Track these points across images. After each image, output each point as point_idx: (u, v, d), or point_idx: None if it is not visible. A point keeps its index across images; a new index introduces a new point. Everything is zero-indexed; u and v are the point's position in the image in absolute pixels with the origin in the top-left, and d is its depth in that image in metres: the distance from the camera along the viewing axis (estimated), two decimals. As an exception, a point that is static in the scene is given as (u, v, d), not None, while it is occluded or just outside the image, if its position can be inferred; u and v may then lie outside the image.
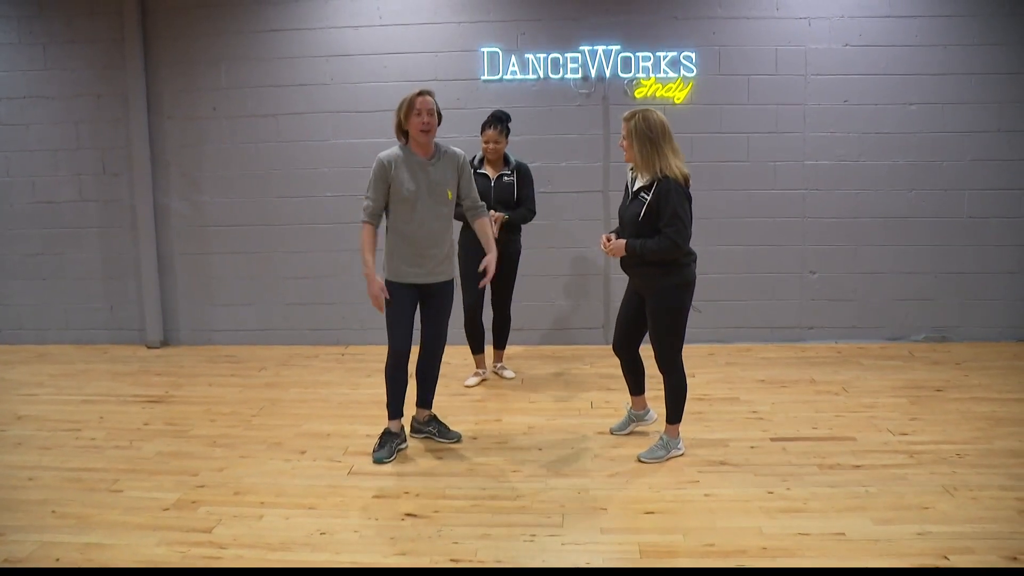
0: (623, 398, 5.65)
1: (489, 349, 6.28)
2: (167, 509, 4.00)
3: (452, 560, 3.47)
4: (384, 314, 4.62)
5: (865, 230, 7.06)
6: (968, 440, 4.79)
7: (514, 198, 5.82)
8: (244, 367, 6.69)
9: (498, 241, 5.58)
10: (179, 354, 7.19)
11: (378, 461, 4.55)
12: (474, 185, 4.80)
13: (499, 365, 6.27)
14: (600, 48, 6.92)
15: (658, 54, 6.91)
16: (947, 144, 6.93)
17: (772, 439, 4.86)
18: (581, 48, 6.94)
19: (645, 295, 4.47)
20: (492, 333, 6.20)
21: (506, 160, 5.85)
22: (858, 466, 4.43)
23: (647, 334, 4.57)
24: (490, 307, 6.11)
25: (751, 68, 6.92)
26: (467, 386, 5.99)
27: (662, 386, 4.57)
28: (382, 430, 4.75)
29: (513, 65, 6.98)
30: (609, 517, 3.88)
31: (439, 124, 4.54)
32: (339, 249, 7.27)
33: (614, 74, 6.96)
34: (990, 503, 3.95)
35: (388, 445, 4.64)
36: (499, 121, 5.75)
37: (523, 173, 5.87)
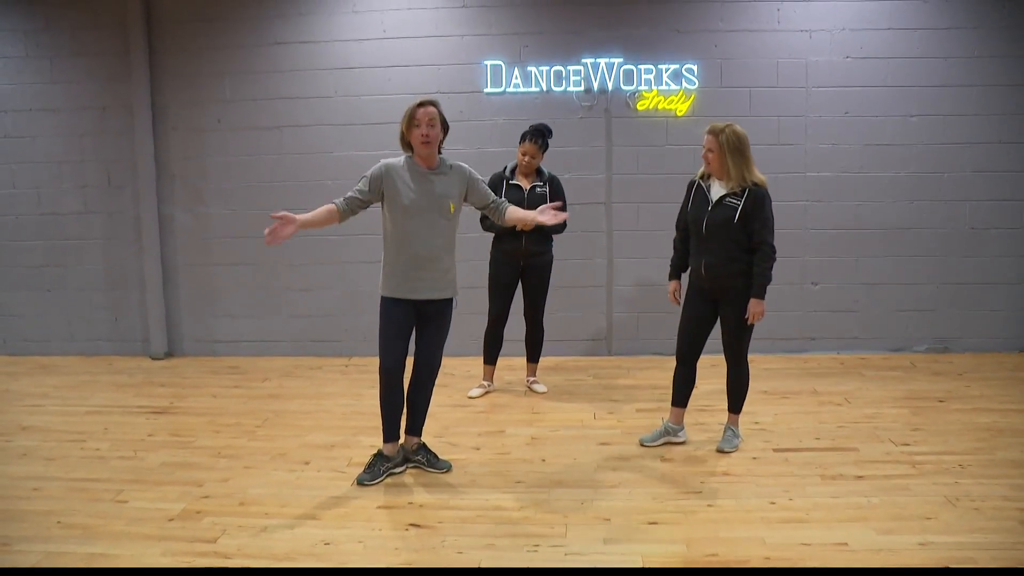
0: (626, 409, 5.68)
1: (504, 361, 6.27)
2: (172, 520, 4.01)
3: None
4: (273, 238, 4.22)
5: (866, 241, 7.08)
6: (970, 451, 4.80)
7: None
8: (248, 378, 6.71)
9: (527, 253, 5.75)
10: (183, 365, 7.21)
11: (359, 483, 4.41)
12: (487, 187, 4.68)
13: (531, 380, 6.22)
14: (602, 61, 6.96)
15: (660, 67, 6.95)
16: (948, 156, 6.95)
17: (775, 450, 4.88)
18: (583, 61, 6.98)
19: (725, 298, 4.72)
20: (525, 346, 6.20)
21: (539, 172, 5.86)
22: (860, 476, 4.44)
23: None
24: (522, 320, 6.11)
25: (752, 80, 6.96)
26: (470, 397, 6.00)
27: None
28: (375, 452, 4.62)
29: (516, 78, 7.01)
30: (612, 528, 3.89)
31: (445, 134, 4.45)
32: (342, 261, 7.30)
33: (616, 87, 7.00)
34: (992, 513, 3.96)
35: (374, 468, 4.49)
36: (540, 136, 5.73)
37: (556, 185, 5.88)
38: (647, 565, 3.51)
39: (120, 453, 4.98)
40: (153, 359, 7.42)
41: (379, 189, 4.41)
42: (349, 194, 4.46)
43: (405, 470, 4.62)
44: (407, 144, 4.44)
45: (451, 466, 4.66)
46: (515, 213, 4.64)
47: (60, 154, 7.38)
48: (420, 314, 4.49)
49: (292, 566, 3.55)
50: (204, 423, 5.54)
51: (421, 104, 4.34)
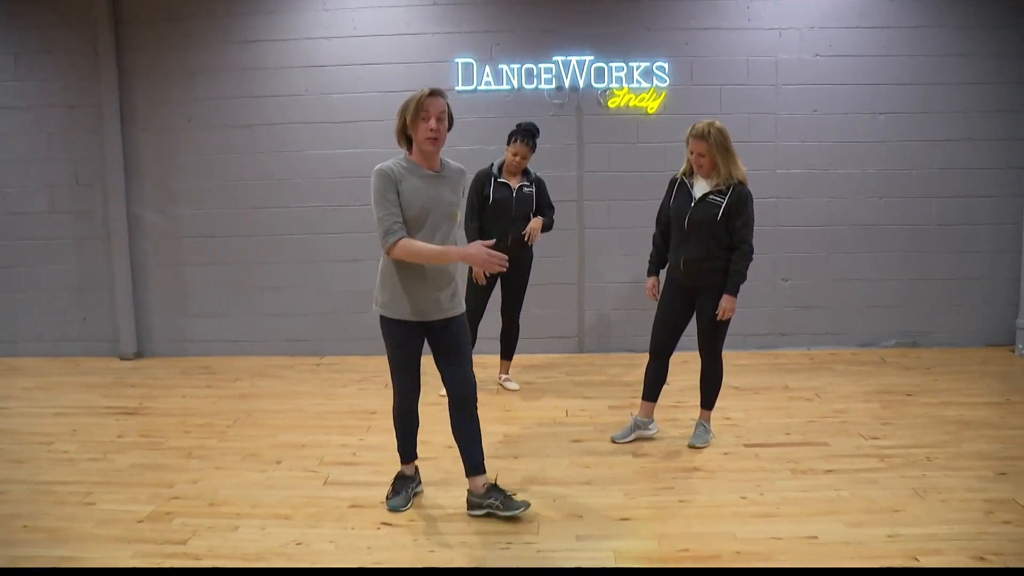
0: (599, 406, 5.70)
1: (476, 359, 6.23)
2: (141, 521, 3.97)
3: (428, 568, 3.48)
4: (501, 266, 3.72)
5: (836, 238, 7.14)
6: (938, 444, 4.86)
7: (533, 208, 5.86)
8: (219, 378, 6.66)
9: (511, 250, 5.60)
10: (153, 366, 7.15)
11: (393, 509, 4.03)
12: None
13: (504, 377, 6.23)
14: (573, 59, 6.97)
15: (631, 64, 6.98)
16: (916, 153, 7.03)
17: (746, 445, 4.91)
18: (555, 59, 6.98)
19: (703, 294, 4.75)
20: (501, 343, 6.20)
21: (525, 172, 5.88)
22: (830, 470, 4.48)
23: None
24: (496, 316, 6.11)
25: (723, 78, 7.00)
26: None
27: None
28: (395, 475, 4.22)
29: (487, 75, 7.01)
30: (584, 524, 3.90)
31: (449, 130, 3.83)
32: (314, 260, 7.27)
33: (587, 84, 7.02)
34: (959, 505, 4.01)
35: (404, 492, 4.11)
36: (531, 136, 5.73)
37: (541, 186, 5.94)
38: (619, 561, 3.52)
39: (89, 455, 4.92)
40: (123, 359, 7.35)
41: (397, 194, 3.72)
42: (387, 225, 3.70)
43: (423, 490, 4.28)
44: (406, 138, 3.80)
45: (529, 505, 3.97)
46: (419, 248, 3.73)
47: (27, 153, 7.28)
48: (434, 336, 3.94)
49: (264, 566, 3.52)
50: (174, 424, 5.50)
51: (432, 93, 3.70)
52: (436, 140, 3.71)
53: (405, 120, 3.74)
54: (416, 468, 4.26)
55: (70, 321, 7.47)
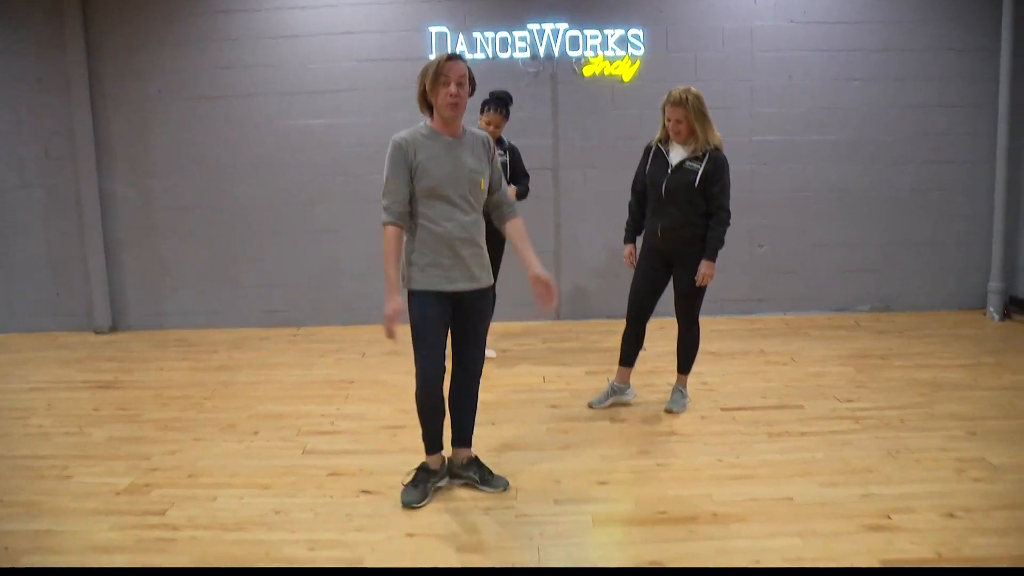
0: (576, 372, 5.72)
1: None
2: (119, 494, 3.96)
3: (408, 535, 3.50)
4: (392, 338, 3.65)
5: (811, 204, 7.18)
6: (911, 405, 4.92)
7: (508, 176, 5.84)
8: (195, 351, 6.63)
9: (487, 219, 5.56)
10: (128, 339, 7.10)
11: (407, 504, 3.75)
12: (503, 176, 4.00)
13: None
14: (548, 26, 6.93)
15: (606, 32, 6.95)
16: (890, 119, 7.06)
17: (722, 409, 4.95)
18: (529, 26, 6.94)
19: (680, 260, 4.75)
20: None
21: (499, 140, 5.83)
22: (805, 433, 4.53)
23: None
24: None
25: (698, 45, 6.99)
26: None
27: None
28: (417, 465, 3.95)
29: (461, 44, 6.96)
30: (562, 489, 3.92)
31: (471, 95, 3.70)
32: (289, 231, 7.22)
33: (562, 52, 6.98)
34: (930, 464, 4.07)
35: (423, 485, 3.84)
36: (504, 105, 5.69)
37: (515, 154, 5.94)
38: (597, 523, 3.56)
39: (65, 429, 4.90)
40: (98, 334, 7.29)
41: (409, 173, 3.63)
42: (388, 203, 3.64)
43: (447, 484, 4.00)
44: (427, 105, 3.69)
45: (508, 484, 3.97)
46: (516, 231, 3.92)
47: (-6, 127, 7.17)
48: (459, 307, 3.81)
49: (242, 535, 3.53)
50: (151, 396, 5.47)
51: (451, 57, 3.61)
52: (456, 105, 3.60)
53: (424, 86, 3.64)
54: (444, 460, 3.99)
55: (43, 296, 7.40)
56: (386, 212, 3.64)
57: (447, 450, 4.04)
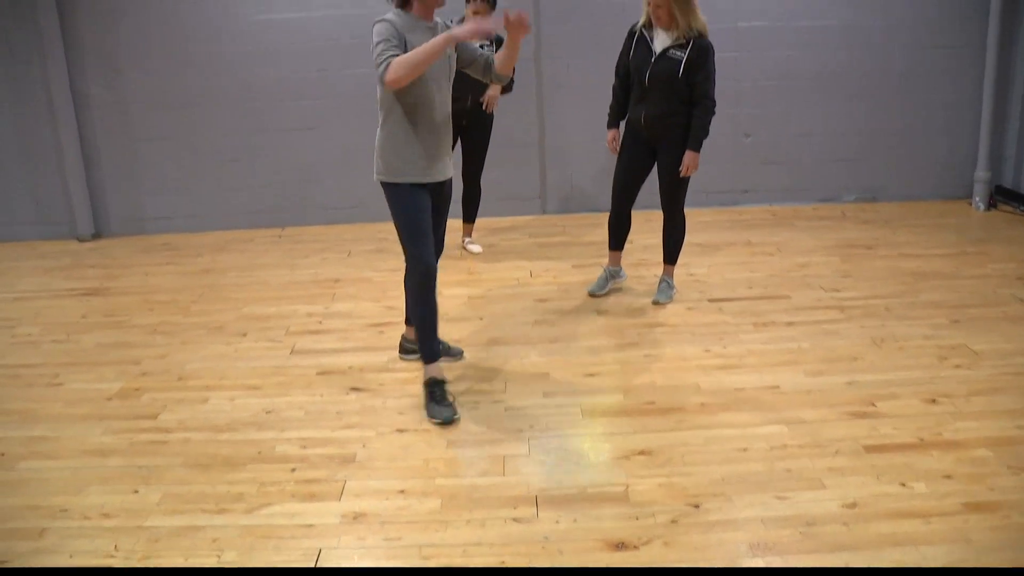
0: (563, 266, 5.73)
1: (456, 223, 6.19)
2: (110, 399, 3.98)
3: (398, 431, 3.54)
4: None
5: (797, 92, 7.06)
6: (895, 294, 4.96)
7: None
8: (180, 255, 6.57)
9: (471, 111, 5.63)
10: (112, 246, 7.03)
11: (447, 421, 3.60)
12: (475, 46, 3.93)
13: (467, 240, 6.21)
14: (528, -90, 6.68)
15: (587, -86, 6.70)
16: (877, 2, 6.89)
17: (709, 300, 4.98)
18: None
19: (664, 148, 4.71)
20: (463, 206, 6.09)
21: None
22: (791, 323, 4.57)
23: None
24: (459, 178, 5.98)
25: (683, -72, 6.75)
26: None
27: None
28: (425, 382, 3.77)
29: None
30: (551, 382, 3.97)
31: None
32: (269, 129, 7.07)
33: (543, -63, 6.75)
34: (914, 352, 4.13)
35: (444, 399, 3.71)
36: None
37: (501, 43, 5.71)
38: (585, 415, 3.61)
39: (53, 337, 4.89)
40: (80, 241, 7.20)
41: (402, 46, 3.46)
42: (384, 56, 3.39)
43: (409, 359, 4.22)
44: None
45: (463, 353, 4.25)
46: (500, 61, 3.85)
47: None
48: (433, 197, 3.79)
49: (234, 435, 3.56)
50: (138, 302, 5.45)
51: None
52: None
53: None
54: (403, 340, 4.17)
55: (22, 205, 7.25)
56: (381, 65, 3.37)
57: (405, 330, 4.26)
